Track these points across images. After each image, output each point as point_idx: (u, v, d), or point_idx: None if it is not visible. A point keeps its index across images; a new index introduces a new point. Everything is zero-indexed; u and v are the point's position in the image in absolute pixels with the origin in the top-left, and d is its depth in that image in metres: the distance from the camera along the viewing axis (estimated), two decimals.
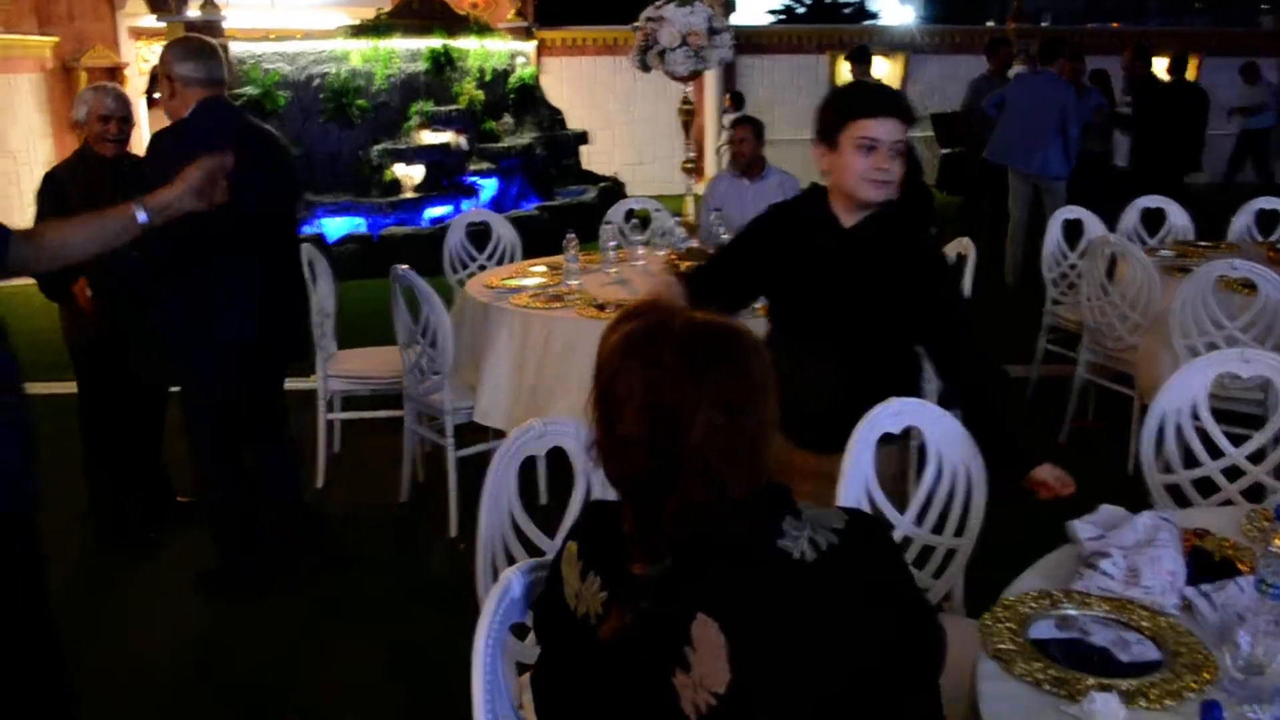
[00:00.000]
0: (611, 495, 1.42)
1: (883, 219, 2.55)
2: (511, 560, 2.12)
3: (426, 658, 3.27)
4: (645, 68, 4.41)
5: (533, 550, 2.21)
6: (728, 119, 12.20)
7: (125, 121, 3.89)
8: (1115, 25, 17.54)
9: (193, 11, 9.80)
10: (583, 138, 12.75)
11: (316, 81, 10.17)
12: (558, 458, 2.30)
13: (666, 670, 1.26)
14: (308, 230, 9.62)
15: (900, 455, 2.72)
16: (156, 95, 3.99)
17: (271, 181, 3.49)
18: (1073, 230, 5.53)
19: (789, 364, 2.57)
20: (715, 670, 1.24)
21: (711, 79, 14.27)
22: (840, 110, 2.50)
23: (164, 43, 10.95)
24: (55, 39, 10.82)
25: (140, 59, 11.53)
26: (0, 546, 2.22)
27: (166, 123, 3.48)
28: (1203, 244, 5.45)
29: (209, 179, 2.50)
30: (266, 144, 3.58)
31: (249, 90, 9.73)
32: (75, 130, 3.98)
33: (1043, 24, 16.34)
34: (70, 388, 4.12)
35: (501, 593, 1.50)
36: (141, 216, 2.37)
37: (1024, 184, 7.90)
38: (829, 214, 2.57)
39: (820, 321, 2.58)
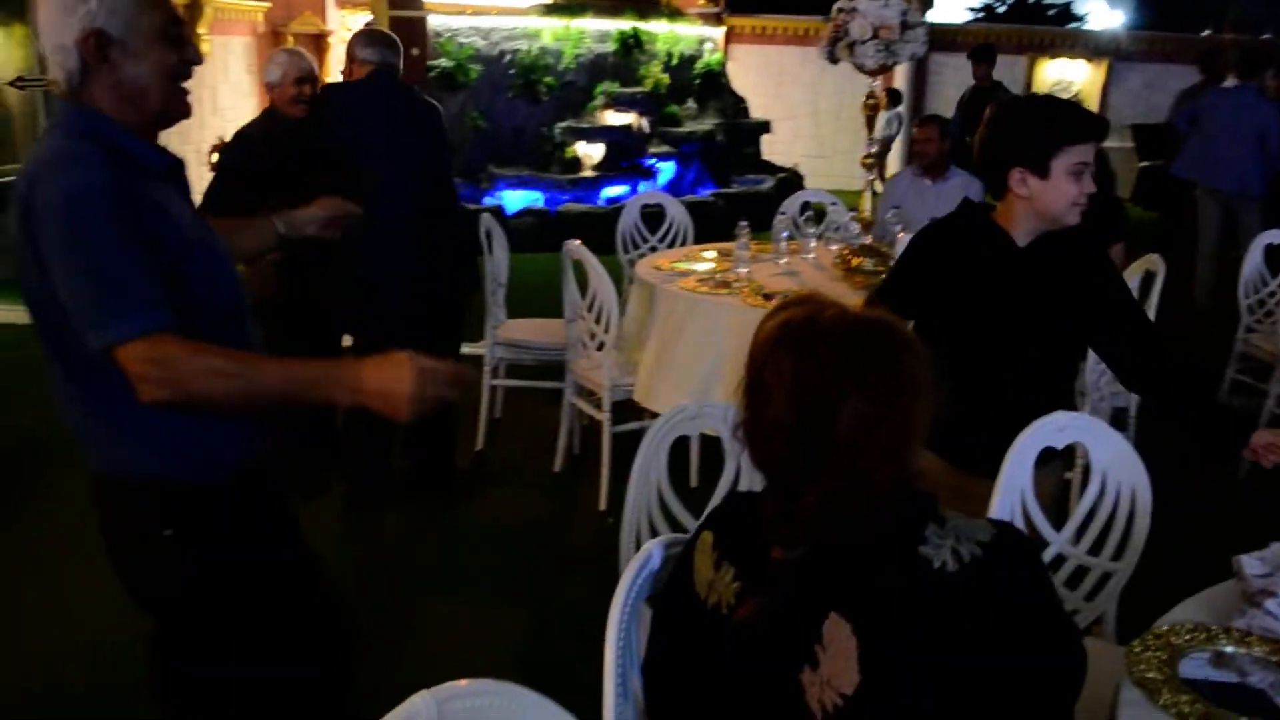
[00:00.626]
0: (759, 485, 1.43)
1: (1057, 235, 2.46)
2: (655, 536, 2.16)
3: (565, 622, 3.36)
4: (834, 59, 4.37)
5: (677, 528, 2.24)
6: (884, 118, 11.85)
7: (316, 83, 4.14)
8: None
9: None
10: (764, 127, 12.69)
11: (508, 57, 10.43)
12: (711, 443, 2.32)
13: (795, 666, 1.27)
14: (488, 201, 9.91)
15: (1058, 476, 2.65)
16: None
17: (419, 147, 3.92)
18: (1276, 256, 5.23)
19: (960, 386, 2.55)
20: (845, 671, 1.24)
21: (901, 76, 14.00)
22: (1053, 135, 2.37)
23: (367, 12, 11.39)
24: (267, 4, 11.39)
25: (344, 27, 12.02)
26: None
27: None
28: None
29: (338, 215, 2.40)
30: (419, 112, 3.99)
31: (443, 62, 10.05)
32: (268, 92, 4.19)
33: (1264, 36, 15.37)
34: None
35: (642, 562, 1.53)
36: (280, 228, 2.33)
37: (1214, 203, 7.49)
38: (999, 232, 2.48)
39: (989, 341, 2.50)
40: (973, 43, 14.88)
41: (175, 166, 1.90)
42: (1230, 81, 8.03)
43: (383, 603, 3.51)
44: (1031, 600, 1.33)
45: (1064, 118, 2.43)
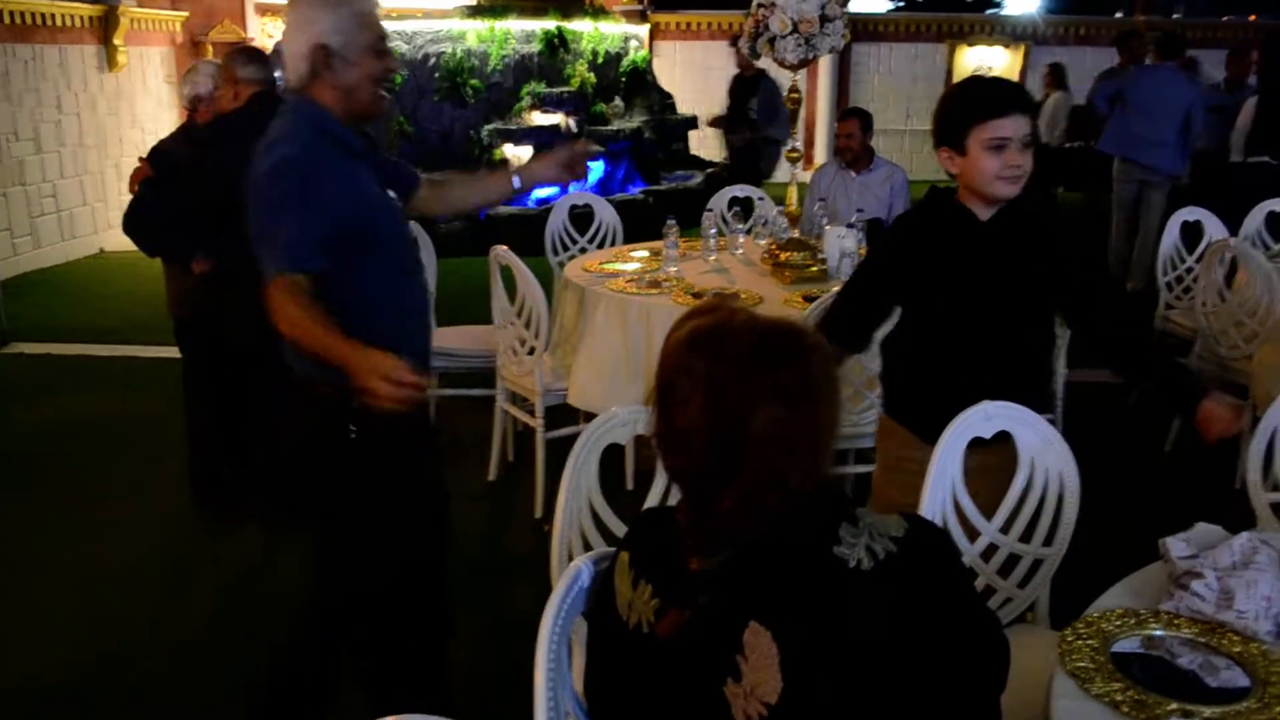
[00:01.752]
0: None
1: (1017, 207, 2.52)
2: (588, 546, 2.13)
3: (505, 635, 3.32)
4: (755, 55, 4.37)
5: (610, 538, 2.22)
6: None
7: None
8: (1253, 18, 16.76)
9: None
10: (692, 122, 12.70)
11: (432, 60, 10.33)
12: (648, 444, 2.30)
13: (718, 680, 1.25)
14: None
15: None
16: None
17: None
18: (1191, 233, 5.33)
19: (927, 363, 2.59)
20: (768, 680, 1.22)
21: (825, 67, 14.09)
22: (964, 114, 2.45)
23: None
24: (186, 14, 11.18)
25: (265, 34, 11.84)
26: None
27: None
28: None
29: (575, 158, 2.80)
30: None
31: None
32: (195, 105, 4.11)
33: (1175, 16, 15.71)
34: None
35: (570, 581, 1.50)
36: (516, 182, 2.79)
37: (1132, 179, 7.64)
38: (963, 210, 2.53)
39: (962, 317, 2.55)
40: (894, 32, 15.09)
41: (369, 149, 2.40)
42: (1150, 60, 8.21)
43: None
44: (948, 593, 1.34)
45: (974, 95, 2.54)
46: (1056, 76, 11.15)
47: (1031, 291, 2.54)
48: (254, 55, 3.93)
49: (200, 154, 3.82)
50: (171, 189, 3.88)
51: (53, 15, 9.20)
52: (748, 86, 8.81)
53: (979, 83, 2.56)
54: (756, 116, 8.67)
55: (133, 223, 4.02)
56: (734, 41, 4.21)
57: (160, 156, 4.09)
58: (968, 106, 2.47)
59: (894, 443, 2.71)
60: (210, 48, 10.91)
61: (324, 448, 2.37)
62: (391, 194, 2.45)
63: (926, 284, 2.57)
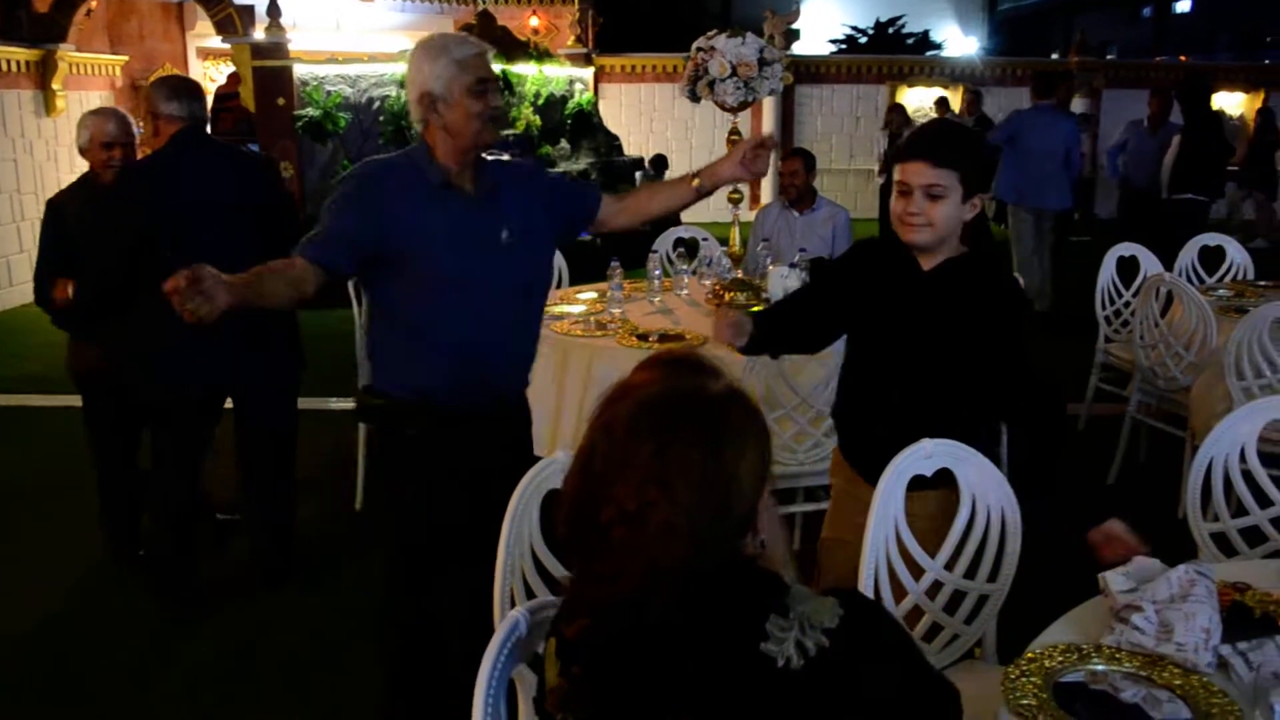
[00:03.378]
0: None
1: (961, 264, 2.49)
2: (531, 595, 2.10)
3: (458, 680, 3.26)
4: (695, 98, 4.40)
5: (556, 587, 2.18)
6: None
7: (128, 147, 3.80)
8: (1183, 59, 17.26)
9: (258, 34, 9.99)
10: (639, 164, 12.79)
11: (377, 104, 10.32)
12: None
13: None
14: None
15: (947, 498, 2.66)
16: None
17: (247, 209, 3.57)
18: (1127, 268, 5.44)
19: (863, 400, 2.59)
20: None
21: (768, 108, 14.27)
22: (894, 154, 2.54)
23: (229, 63, 11.13)
24: (125, 58, 11.09)
25: (208, 78, 11.78)
26: None
27: None
28: (1262, 283, 5.32)
29: (756, 152, 2.80)
30: (241, 169, 3.73)
31: (310, 112, 9.89)
32: (83, 156, 3.88)
33: (1108, 57, 16.11)
34: None
35: (507, 633, 1.48)
36: (696, 184, 2.87)
37: (1029, 215, 7.98)
38: (909, 256, 2.52)
39: (893, 360, 2.54)
40: (836, 74, 15.33)
41: (446, 183, 2.59)
42: (1030, 102, 8.47)
43: (264, 690, 3.36)
44: (888, 688, 1.24)
45: (910, 136, 2.61)
46: (902, 115, 11.53)
47: (958, 349, 2.46)
48: (179, 88, 3.58)
49: (95, 218, 3.63)
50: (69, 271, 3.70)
51: None
52: None
53: (923, 126, 2.61)
54: None
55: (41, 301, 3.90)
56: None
57: (54, 214, 3.86)
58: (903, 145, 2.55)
59: (842, 479, 2.71)
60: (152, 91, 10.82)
61: (388, 450, 2.76)
62: (505, 233, 2.62)
63: (858, 315, 2.60)
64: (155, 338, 3.45)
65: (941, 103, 12.55)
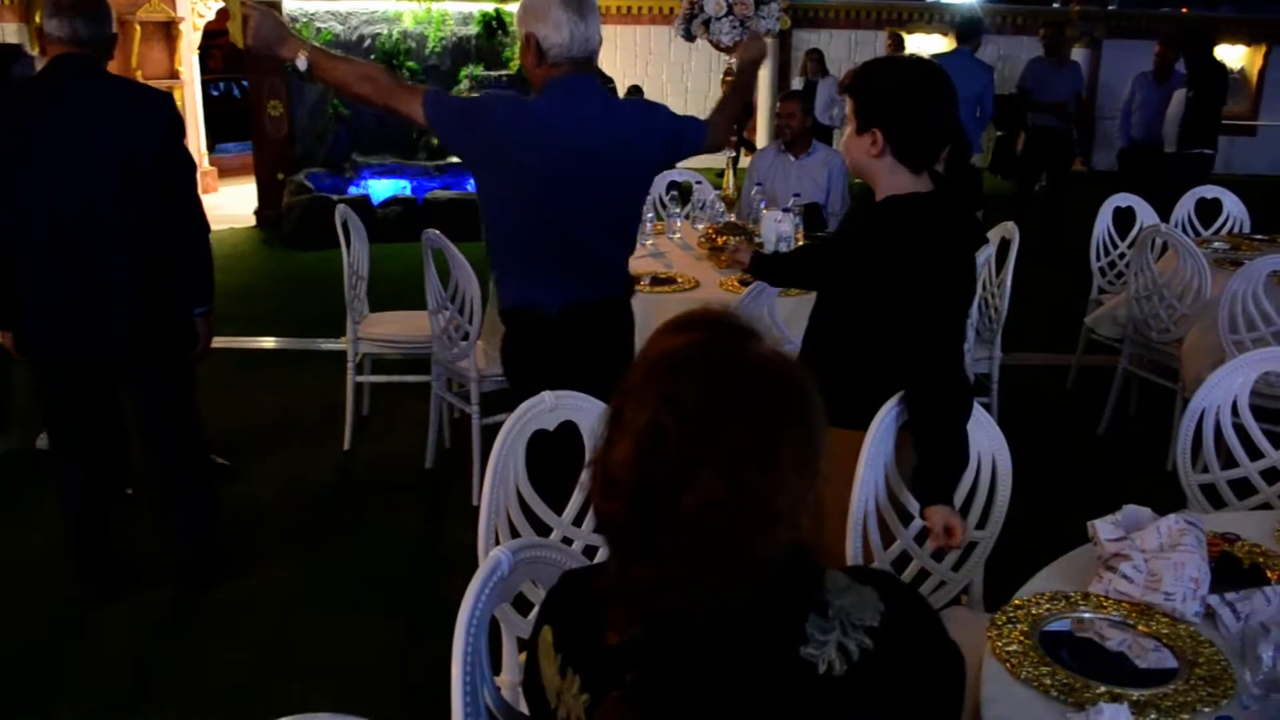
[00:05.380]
0: None
1: (905, 201, 2.35)
2: (516, 535, 2.09)
3: (443, 627, 3.24)
4: (690, 37, 4.32)
5: (541, 527, 2.17)
6: None
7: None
8: (1185, 10, 17.04)
9: None
10: None
11: (368, 42, 10.17)
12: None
13: None
14: (354, 191, 9.65)
15: None
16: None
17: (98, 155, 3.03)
18: (1123, 219, 5.40)
19: (815, 341, 2.54)
20: None
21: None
22: None
23: None
24: None
25: (195, 14, 11.56)
26: None
27: None
28: (1258, 237, 5.29)
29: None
30: (112, 109, 3.05)
31: None
32: None
33: (1109, 7, 15.90)
34: None
35: (488, 573, 1.45)
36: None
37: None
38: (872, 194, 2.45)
39: (850, 298, 2.44)
40: (834, 18, 15.13)
41: (584, 126, 2.73)
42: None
43: (246, 623, 3.36)
44: (935, 680, 1.15)
45: None
46: (817, 62, 11.33)
47: (893, 287, 2.29)
48: (62, 3, 3.00)
49: None
50: None
51: None
52: None
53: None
54: None
55: None
56: None
57: None
58: None
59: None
60: (138, 26, 10.62)
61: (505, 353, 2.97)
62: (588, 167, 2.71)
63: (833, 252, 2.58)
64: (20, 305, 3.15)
65: (815, 54, 12.40)
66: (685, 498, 1.02)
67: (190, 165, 3.24)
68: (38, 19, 9.52)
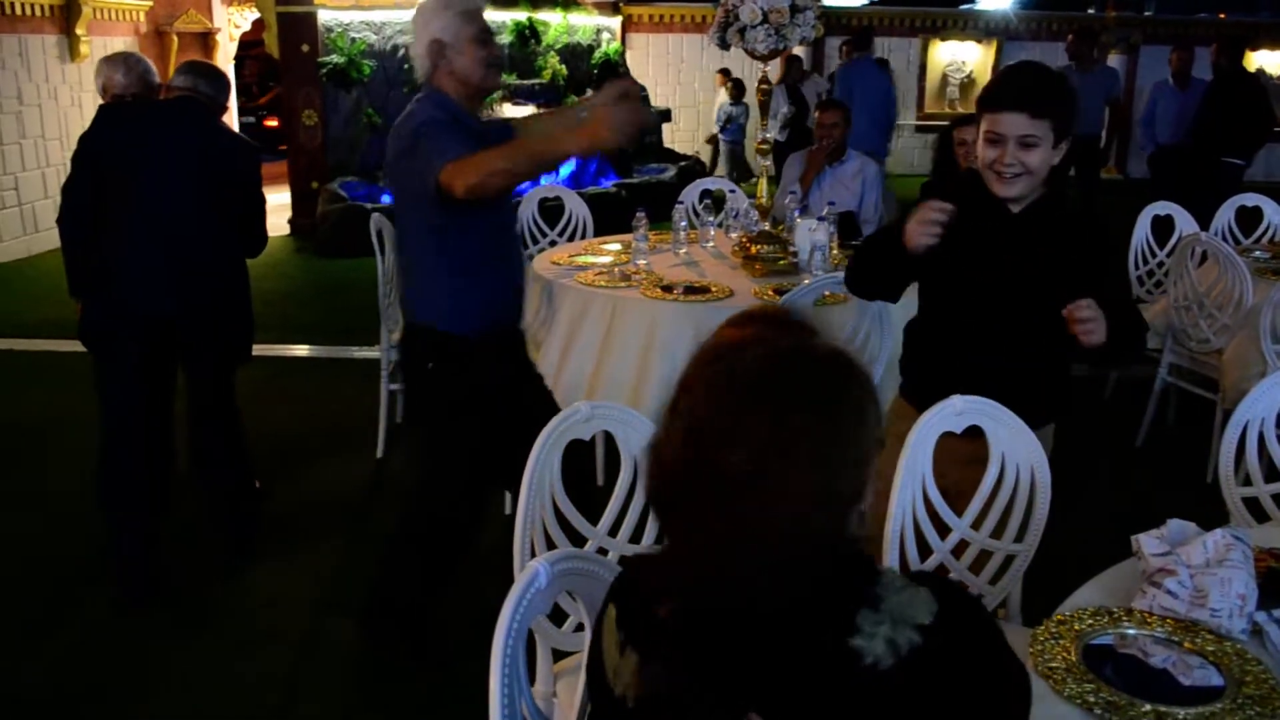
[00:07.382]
0: None
1: (1048, 204, 2.47)
2: (551, 545, 2.08)
3: (479, 634, 3.25)
4: (725, 45, 4.32)
5: (574, 536, 2.16)
6: (723, 111, 11.85)
7: (139, 98, 3.68)
8: (1222, 15, 16.87)
9: None
10: (666, 115, 12.65)
11: (401, 51, 10.22)
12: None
13: None
14: (387, 200, 9.69)
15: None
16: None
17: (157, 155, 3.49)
18: (1162, 228, 5.34)
19: (956, 336, 2.53)
20: None
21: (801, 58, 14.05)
22: (980, 100, 2.46)
23: (253, 9, 11.04)
24: (149, 3, 11.01)
25: (232, 24, 11.70)
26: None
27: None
28: None
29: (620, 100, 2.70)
30: (205, 129, 3.61)
31: (334, 59, 9.81)
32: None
33: (1146, 13, 15.78)
34: None
35: (526, 584, 1.44)
36: (582, 113, 3.01)
37: None
38: (994, 198, 2.46)
39: (992, 297, 2.49)
40: (870, 28, 15.08)
41: (482, 128, 2.93)
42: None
43: (280, 626, 3.38)
44: (985, 682, 1.13)
45: (989, 84, 2.52)
46: (798, 67, 11.30)
47: (1051, 287, 2.39)
48: (198, 70, 3.74)
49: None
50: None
51: (12, 4, 9.01)
52: None
53: (1005, 72, 2.52)
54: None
55: None
56: None
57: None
58: (982, 94, 2.47)
59: (907, 424, 2.59)
60: (175, 37, 10.75)
61: (415, 380, 3.15)
62: None
63: (940, 260, 2.46)
64: (103, 267, 3.52)
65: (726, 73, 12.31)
66: (717, 479, 1.07)
67: (258, 192, 3.76)
68: (78, 30, 9.66)
